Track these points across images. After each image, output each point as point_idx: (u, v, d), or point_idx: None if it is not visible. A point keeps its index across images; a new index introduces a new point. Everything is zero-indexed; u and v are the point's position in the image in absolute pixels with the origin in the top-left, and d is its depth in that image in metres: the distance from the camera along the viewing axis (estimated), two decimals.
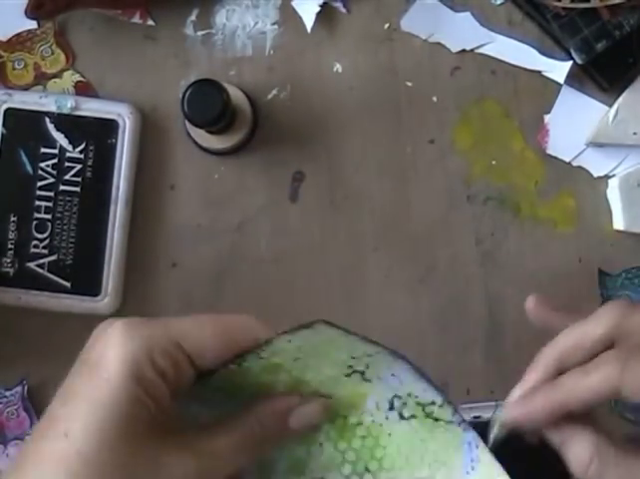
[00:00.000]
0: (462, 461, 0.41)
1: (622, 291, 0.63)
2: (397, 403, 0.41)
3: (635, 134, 0.62)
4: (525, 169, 0.63)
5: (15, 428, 0.62)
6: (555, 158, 0.63)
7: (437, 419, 0.41)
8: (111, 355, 0.35)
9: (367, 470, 0.42)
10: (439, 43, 0.63)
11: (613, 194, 0.63)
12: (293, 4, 0.63)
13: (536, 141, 0.63)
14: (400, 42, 0.63)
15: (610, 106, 0.62)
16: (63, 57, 0.62)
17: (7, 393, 0.62)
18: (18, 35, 0.62)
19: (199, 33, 0.63)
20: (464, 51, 0.63)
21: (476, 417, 0.46)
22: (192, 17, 0.63)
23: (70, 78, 0.62)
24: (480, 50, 0.63)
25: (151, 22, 0.63)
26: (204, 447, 0.36)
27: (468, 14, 0.62)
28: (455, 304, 0.63)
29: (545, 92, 0.62)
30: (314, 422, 0.41)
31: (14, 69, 0.63)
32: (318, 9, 0.62)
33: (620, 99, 0.62)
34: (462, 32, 0.62)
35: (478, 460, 0.41)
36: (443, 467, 0.41)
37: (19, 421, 0.62)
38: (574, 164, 0.63)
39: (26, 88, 0.62)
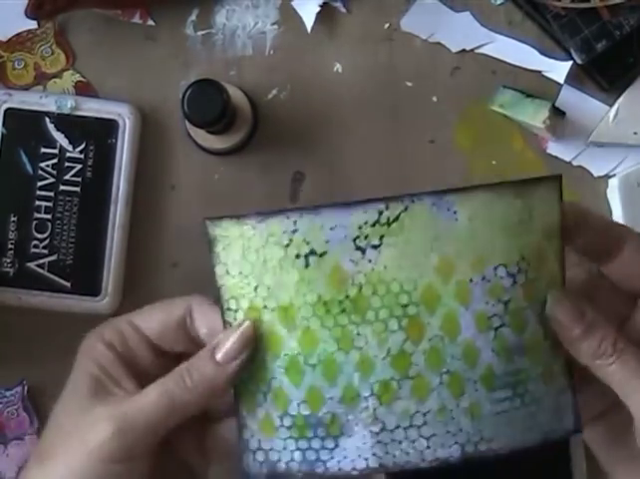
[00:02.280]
0: None
1: None
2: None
3: (635, 134, 0.62)
4: (525, 169, 0.63)
5: (15, 428, 0.62)
6: (555, 158, 0.63)
7: None
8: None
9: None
10: (439, 43, 0.63)
11: (613, 194, 0.63)
12: (293, 4, 0.63)
13: (536, 141, 0.63)
14: (400, 42, 0.63)
15: (610, 106, 0.62)
16: (63, 57, 0.62)
17: (7, 393, 0.62)
18: (18, 35, 0.62)
19: (199, 33, 0.63)
20: (464, 51, 0.63)
21: None
22: (192, 17, 0.63)
23: (70, 78, 0.62)
24: (480, 50, 0.63)
25: (151, 22, 0.63)
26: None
27: (467, 14, 0.62)
28: None
29: (545, 92, 0.62)
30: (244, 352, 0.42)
31: (14, 69, 0.63)
32: (318, 9, 0.62)
33: (620, 99, 0.62)
34: (462, 32, 0.62)
35: None
36: None
37: (19, 421, 0.62)
38: (574, 163, 0.63)
39: (26, 88, 0.62)
